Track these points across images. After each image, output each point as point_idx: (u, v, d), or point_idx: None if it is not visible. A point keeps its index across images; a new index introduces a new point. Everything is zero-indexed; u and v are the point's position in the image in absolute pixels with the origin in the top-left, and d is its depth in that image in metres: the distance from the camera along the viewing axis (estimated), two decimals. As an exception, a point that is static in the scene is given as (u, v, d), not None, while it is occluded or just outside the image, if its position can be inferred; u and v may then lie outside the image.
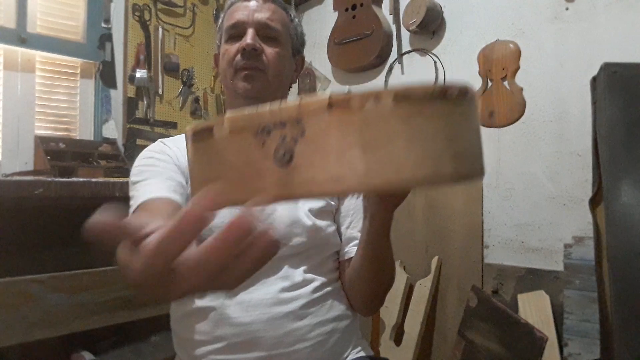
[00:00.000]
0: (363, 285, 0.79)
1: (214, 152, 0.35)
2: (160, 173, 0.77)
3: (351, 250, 0.84)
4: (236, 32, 0.83)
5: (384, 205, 0.67)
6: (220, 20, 0.89)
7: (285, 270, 0.77)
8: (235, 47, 0.81)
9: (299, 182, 0.30)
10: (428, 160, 0.29)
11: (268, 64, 0.81)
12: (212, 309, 0.74)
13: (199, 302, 0.76)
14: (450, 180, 0.29)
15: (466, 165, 0.30)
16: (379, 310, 1.23)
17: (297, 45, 0.90)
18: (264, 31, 0.82)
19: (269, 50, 0.82)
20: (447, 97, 0.29)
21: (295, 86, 2.44)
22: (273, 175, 0.31)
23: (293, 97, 2.05)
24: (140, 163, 0.82)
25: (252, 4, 0.84)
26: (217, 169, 0.35)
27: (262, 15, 0.82)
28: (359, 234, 0.85)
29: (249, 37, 0.80)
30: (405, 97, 0.28)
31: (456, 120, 0.30)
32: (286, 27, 0.86)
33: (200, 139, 0.37)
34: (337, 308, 0.80)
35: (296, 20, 0.91)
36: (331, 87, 2.33)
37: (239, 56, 0.80)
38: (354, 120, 0.29)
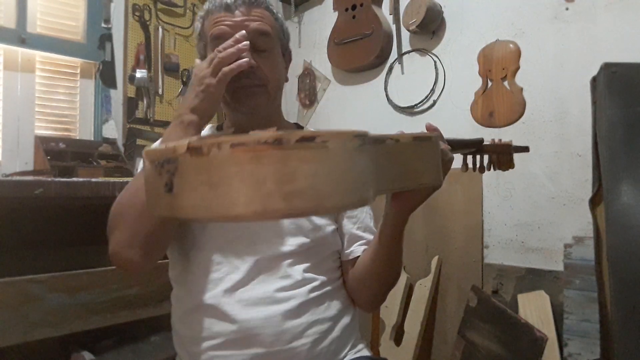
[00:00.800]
0: (372, 283, 0.81)
1: (145, 172, 0.43)
2: None
3: (357, 249, 0.85)
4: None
5: (398, 209, 0.70)
6: (199, 25, 0.84)
7: (285, 269, 0.77)
8: None
9: (178, 207, 0.37)
10: (257, 199, 0.32)
11: (267, 77, 0.79)
12: (211, 306, 0.75)
13: (199, 300, 0.76)
14: (281, 216, 0.34)
15: (302, 203, 0.33)
16: (379, 310, 1.23)
17: (284, 42, 0.87)
18: (256, 41, 0.78)
19: (265, 62, 0.79)
20: (282, 145, 0.32)
21: (295, 86, 2.45)
22: (164, 199, 0.38)
23: (293, 97, 2.02)
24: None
25: (237, 13, 0.78)
26: (145, 187, 0.44)
27: (253, 25, 0.78)
28: (364, 234, 0.86)
29: (244, 55, 0.74)
30: (241, 144, 0.32)
31: (292, 163, 0.33)
32: (275, 29, 0.82)
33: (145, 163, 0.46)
34: (335, 307, 0.80)
35: (280, 16, 0.86)
36: (331, 87, 2.33)
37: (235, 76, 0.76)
38: (204, 163, 0.33)
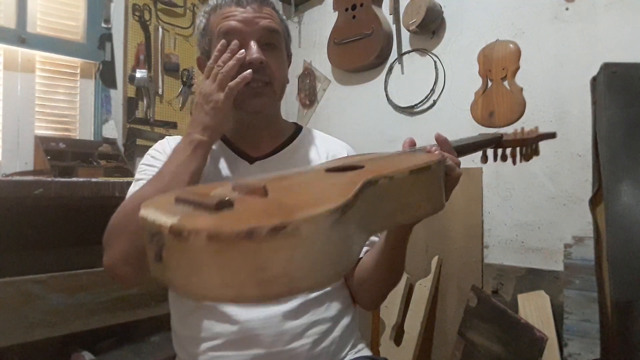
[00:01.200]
0: (373, 286, 0.81)
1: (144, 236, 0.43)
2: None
3: None
4: (232, 40, 0.78)
5: (400, 226, 0.70)
6: (203, 20, 0.84)
7: None
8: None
9: (167, 278, 0.38)
10: (231, 287, 0.34)
11: (274, 75, 0.79)
12: (211, 307, 0.75)
13: (199, 302, 0.76)
14: (256, 301, 0.34)
15: (277, 288, 0.34)
16: (379, 310, 1.23)
17: (288, 43, 0.88)
18: (265, 39, 0.78)
19: (272, 61, 0.79)
20: (253, 237, 0.33)
21: (295, 86, 2.45)
22: (156, 265, 0.38)
23: (293, 96, 2.01)
24: (143, 161, 0.85)
25: (249, 9, 0.78)
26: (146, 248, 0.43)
27: (264, 22, 0.78)
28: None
29: (255, 50, 0.76)
30: (215, 236, 0.33)
31: (264, 253, 0.33)
32: (282, 30, 0.84)
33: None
34: (336, 308, 0.80)
35: (283, 16, 0.87)
36: (331, 87, 2.33)
37: (241, 70, 0.75)
38: (184, 247, 0.34)
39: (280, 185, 0.46)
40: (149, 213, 0.39)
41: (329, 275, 0.38)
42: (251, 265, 0.33)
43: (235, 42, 0.75)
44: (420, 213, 0.54)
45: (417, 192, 0.54)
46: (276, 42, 0.80)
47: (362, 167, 0.55)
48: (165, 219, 0.36)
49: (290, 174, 0.54)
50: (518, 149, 0.86)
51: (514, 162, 0.86)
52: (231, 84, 0.72)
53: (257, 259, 0.33)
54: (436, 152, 0.63)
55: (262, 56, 0.76)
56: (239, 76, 0.73)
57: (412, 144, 0.69)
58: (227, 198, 0.38)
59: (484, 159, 0.87)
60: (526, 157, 0.86)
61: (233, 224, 0.34)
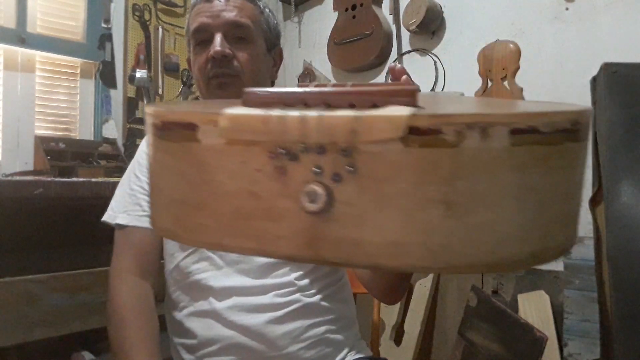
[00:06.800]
0: (383, 280, 0.77)
1: (197, 163, 0.23)
2: (130, 187, 0.83)
3: None
4: (203, 36, 0.77)
5: None
6: (186, 23, 0.83)
7: (282, 274, 0.76)
8: (204, 55, 0.76)
9: (336, 243, 0.21)
10: (538, 232, 0.20)
11: (241, 68, 0.77)
12: (206, 312, 0.74)
13: (195, 306, 0.76)
14: (553, 257, 0.22)
15: (573, 230, 0.23)
16: (379, 310, 1.22)
17: (271, 38, 0.84)
18: (233, 32, 0.76)
19: (241, 53, 0.77)
20: (578, 132, 0.21)
21: (295, 86, 2.45)
22: (295, 224, 0.21)
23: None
24: (130, 168, 0.87)
25: (216, 3, 0.77)
26: (200, 190, 0.24)
27: (229, 15, 0.76)
28: None
29: (217, 43, 0.74)
30: (530, 131, 0.19)
31: (578, 165, 0.22)
32: (257, 22, 0.80)
33: (172, 137, 0.25)
34: (334, 309, 0.79)
35: (267, 10, 0.84)
36: (331, 87, 2.33)
37: (209, 65, 0.76)
38: (443, 161, 0.19)
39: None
40: (281, 111, 0.21)
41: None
42: (566, 188, 0.22)
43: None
44: None
45: None
46: (245, 35, 0.77)
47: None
48: (385, 111, 0.20)
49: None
50: None
51: None
52: None
53: (571, 174, 0.22)
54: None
55: (225, 49, 0.74)
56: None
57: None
58: (413, 85, 0.24)
59: None
60: None
61: (528, 117, 0.20)
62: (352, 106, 0.22)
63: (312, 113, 0.21)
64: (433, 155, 0.19)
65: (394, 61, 2.04)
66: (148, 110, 0.27)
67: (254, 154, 0.21)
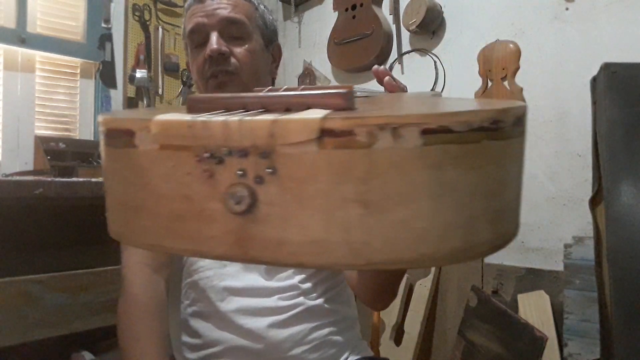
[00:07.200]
0: (369, 286, 0.78)
1: (136, 167, 0.24)
2: None
3: None
4: (199, 37, 0.76)
5: None
6: (182, 27, 0.82)
7: (285, 277, 0.76)
8: (201, 55, 0.75)
9: (262, 242, 0.21)
10: (459, 228, 0.21)
11: (239, 65, 0.76)
12: (211, 313, 0.74)
13: (198, 307, 0.76)
14: (482, 253, 0.22)
15: (504, 226, 0.23)
16: (379, 310, 1.22)
17: (268, 34, 0.83)
18: (229, 29, 0.76)
19: (238, 50, 0.76)
20: (499, 130, 0.21)
21: (295, 86, 2.45)
22: (224, 225, 0.22)
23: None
24: None
25: (209, 2, 0.76)
26: (139, 194, 0.25)
27: (223, 12, 0.75)
28: None
29: (213, 41, 0.74)
30: (442, 131, 0.20)
31: (505, 163, 0.22)
32: (252, 18, 0.79)
33: (116, 143, 0.26)
34: (336, 312, 0.79)
35: (262, 7, 0.83)
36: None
37: (206, 65, 0.75)
38: (357, 162, 0.20)
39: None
40: (208, 117, 0.22)
41: (519, 218, 0.27)
42: (489, 185, 0.21)
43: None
44: None
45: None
46: (240, 33, 0.77)
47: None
48: (300, 116, 0.21)
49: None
50: None
51: None
52: None
53: (497, 171, 0.22)
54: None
55: (221, 47, 0.73)
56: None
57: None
58: (348, 89, 0.24)
59: None
60: None
61: (450, 117, 0.20)
62: (288, 110, 0.23)
63: (234, 118, 0.22)
64: (347, 156, 0.20)
65: (394, 61, 2.04)
66: (99, 119, 0.28)
67: (184, 158, 0.22)
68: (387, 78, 0.56)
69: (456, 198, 0.20)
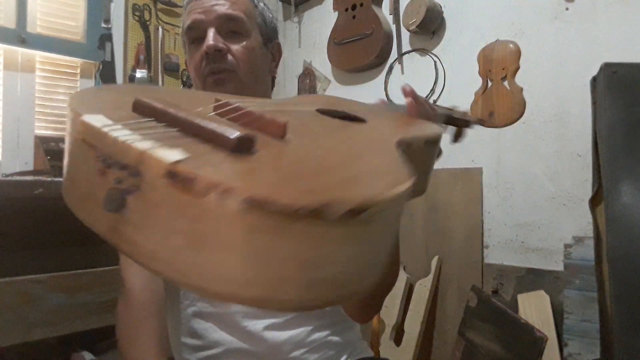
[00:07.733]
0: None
1: (73, 149, 0.30)
2: None
3: None
4: (196, 34, 0.75)
5: None
6: (181, 25, 0.81)
7: None
8: (198, 52, 0.74)
9: (126, 238, 0.26)
10: (263, 282, 0.24)
11: (236, 62, 0.74)
12: (210, 313, 0.74)
13: (198, 308, 0.76)
14: (291, 309, 0.25)
15: (320, 294, 0.25)
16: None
17: (267, 32, 0.82)
18: (226, 26, 0.74)
19: (235, 47, 0.74)
20: (323, 217, 0.23)
21: (295, 86, 2.45)
22: (105, 215, 0.27)
23: (293, 93, 1.99)
24: None
25: None
26: (76, 172, 0.31)
27: (221, 9, 0.74)
28: None
29: (210, 37, 0.72)
30: (260, 206, 0.22)
31: (329, 244, 0.24)
32: (251, 15, 0.78)
33: (69, 126, 0.32)
34: (335, 313, 0.79)
35: (261, 4, 0.82)
36: (331, 87, 2.33)
37: (204, 62, 0.73)
38: (190, 205, 0.23)
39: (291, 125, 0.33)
40: (112, 128, 0.27)
41: (376, 278, 0.29)
42: (304, 258, 0.24)
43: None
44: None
45: (420, 166, 0.44)
46: (238, 29, 0.76)
47: (364, 120, 0.47)
48: (162, 152, 0.25)
49: (285, 110, 0.44)
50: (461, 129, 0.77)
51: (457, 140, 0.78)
52: None
53: (317, 249, 0.24)
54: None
55: (218, 43, 0.72)
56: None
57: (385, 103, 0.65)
58: (247, 133, 0.28)
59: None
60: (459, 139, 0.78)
61: (288, 191, 0.24)
62: (195, 135, 0.29)
63: (125, 137, 0.26)
64: (185, 197, 0.24)
65: (394, 61, 2.04)
66: (73, 96, 0.34)
67: (92, 153, 0.28)
68: (409, 99, 0.59)
69: (265, 260, 0.24)
